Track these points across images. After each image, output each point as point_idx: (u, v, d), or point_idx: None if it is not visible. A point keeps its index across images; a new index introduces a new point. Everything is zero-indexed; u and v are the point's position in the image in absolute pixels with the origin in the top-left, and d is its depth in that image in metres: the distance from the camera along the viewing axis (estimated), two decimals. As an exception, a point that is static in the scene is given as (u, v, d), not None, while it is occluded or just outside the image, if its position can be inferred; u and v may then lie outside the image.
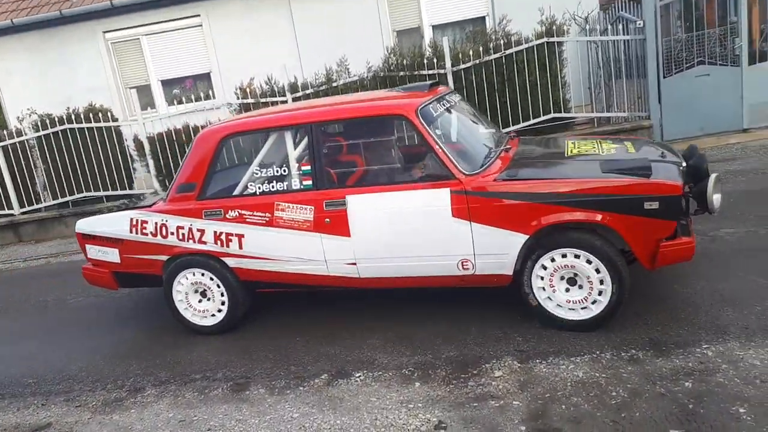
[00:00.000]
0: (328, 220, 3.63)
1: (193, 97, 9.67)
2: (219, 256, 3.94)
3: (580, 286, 3.34)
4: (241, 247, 3.87)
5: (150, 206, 4.13)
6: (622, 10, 7.83)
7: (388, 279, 3.72)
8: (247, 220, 3.80)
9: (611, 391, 2.79)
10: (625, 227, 3.18)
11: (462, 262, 3.50)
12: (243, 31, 9.73)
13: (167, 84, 10.32)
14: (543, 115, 7.76)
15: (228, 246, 3.90)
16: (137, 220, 4.06)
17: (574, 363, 3.08)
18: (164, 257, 4.06)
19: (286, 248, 3.78)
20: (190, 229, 3.93)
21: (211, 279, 4.02)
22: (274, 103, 7.96)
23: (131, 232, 4.09)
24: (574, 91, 8.03)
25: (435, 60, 7.69)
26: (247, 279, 3.98)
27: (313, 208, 3.65)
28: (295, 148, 3.85)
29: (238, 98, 8.17)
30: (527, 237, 3.30)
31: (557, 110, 7.79)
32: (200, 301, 4.12)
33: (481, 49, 7.64)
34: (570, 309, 3.37)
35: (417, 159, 3.77)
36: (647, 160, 3.39)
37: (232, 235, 3.86)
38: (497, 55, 7.61)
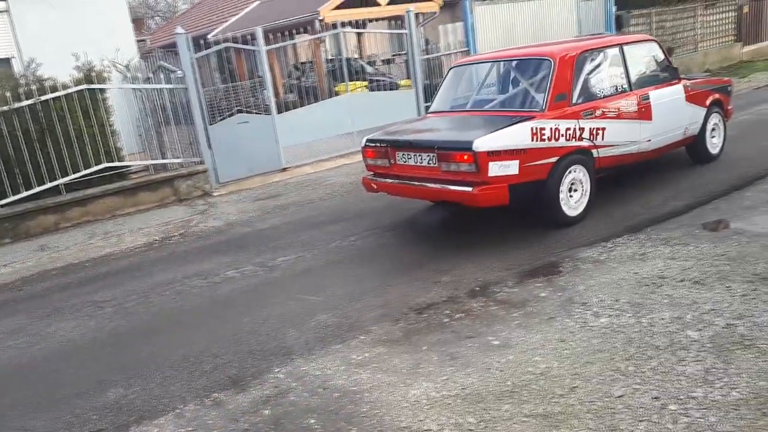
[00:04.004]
0: (643, 109, 5.40)
1: None
2: (590, 149, 5.02)
3: (714, 129, 6.38)
4: (603, 138, 5.09)
5: (531, 118, 4.73)
6: (161, 60, 8.05)
7: (656, 150, 5.68)
8: (607, 115, 5.12)
9: (198, 443, 2.77)
10: (725, 100, 6.46)
11: (685, 131, 5.90)
12: None
13: None
14: (95, 165, 7.30)
15: (596, 139, 5.04)
16: (537, 128, 4.67)
17: (159, 426, 2.94)
18: (554, 159, 4.77)
19: (624, 134, 5.28)
20: (575, 129, 4.88)
21: (583, 173, 4.98)
22: None
23: (533, 140, 4.65)
24: (125, 139, 7.82)
25: (-55, 106, 6.36)
26: (599, 167, 5.13)
27: (636, 101, 5.37)
28: (616, 62, 5.41)
29: None
30: (705, 109, 6.11)
31: (109, 159, 7.45)
32: (568, 195, 4.95)
33: (9, 94, 6.68)
34: (714, 144, 6.43)
35: (661, 68, 5.88)
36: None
37: (599, 129, 5.05)
38: (31, 101, 6.81)
